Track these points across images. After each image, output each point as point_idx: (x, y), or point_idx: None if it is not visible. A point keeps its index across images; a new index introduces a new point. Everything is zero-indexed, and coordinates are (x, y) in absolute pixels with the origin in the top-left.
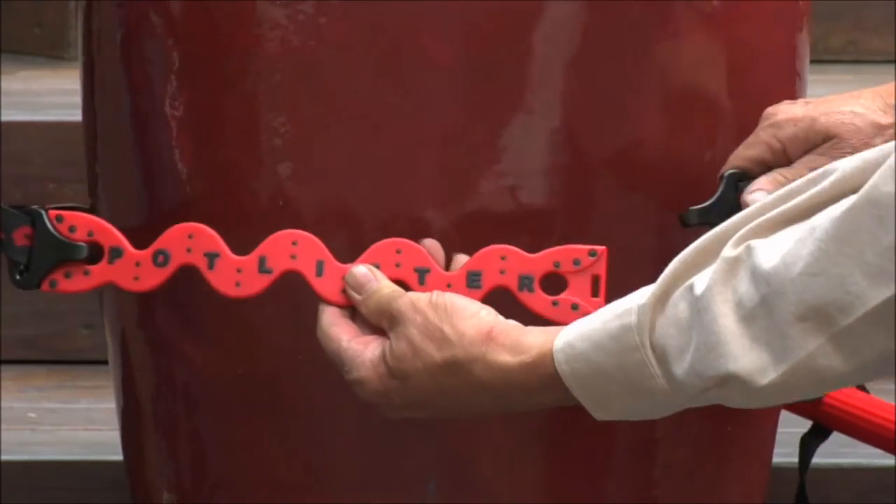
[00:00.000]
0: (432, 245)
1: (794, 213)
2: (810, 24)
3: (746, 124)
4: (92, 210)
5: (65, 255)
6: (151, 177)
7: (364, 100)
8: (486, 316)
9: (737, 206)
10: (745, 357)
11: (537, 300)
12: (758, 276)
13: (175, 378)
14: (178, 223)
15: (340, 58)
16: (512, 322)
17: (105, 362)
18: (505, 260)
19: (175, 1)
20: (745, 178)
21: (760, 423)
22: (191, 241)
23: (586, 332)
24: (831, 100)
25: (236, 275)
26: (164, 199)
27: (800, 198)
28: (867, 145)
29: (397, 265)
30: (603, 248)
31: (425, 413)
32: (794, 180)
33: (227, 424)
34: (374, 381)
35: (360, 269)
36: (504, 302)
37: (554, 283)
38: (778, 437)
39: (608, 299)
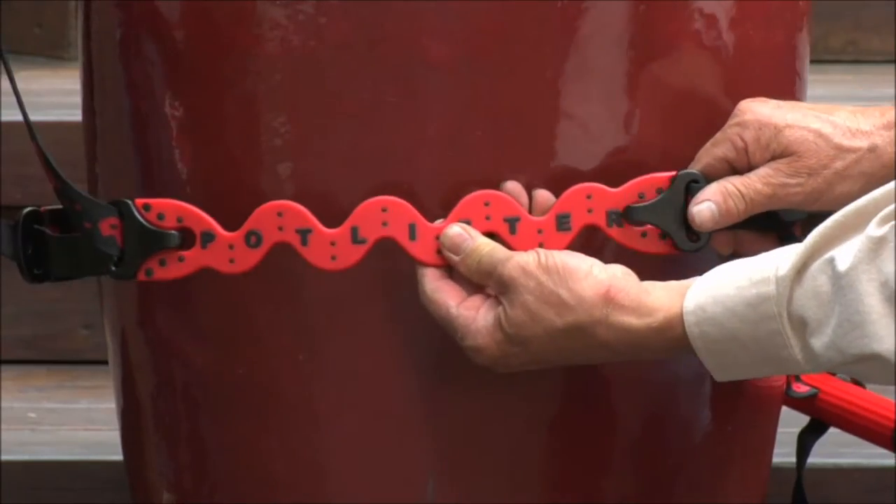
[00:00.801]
0: (514, 188)
1: None
2: (810, 24)
3: None
4: None
5: (158, 244)
6: (151, 177)
7: (364, 100)
8: (600, 274)
9: (683, 208)
10: (891, 338)
11: (626, 233)
12: None
13: (175, 378)
14: None
15: (340, 58)
16: (622, 271)
17: (105, 362)
18: (591, 199)
19: (175, 1)
20: (698, 180)
21: (760, 423)
22: (281, 219)
23: (719, 296)
24: (804, 108)
25: (331, 248)
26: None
27: None
28: (825, 167)
29: (487, 218)
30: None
31: (540, 367)
32: (744, 193)
33: (227, 424)
34: (493, 348)
35: (454, 229)
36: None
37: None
38: (777, 437)
39: None
